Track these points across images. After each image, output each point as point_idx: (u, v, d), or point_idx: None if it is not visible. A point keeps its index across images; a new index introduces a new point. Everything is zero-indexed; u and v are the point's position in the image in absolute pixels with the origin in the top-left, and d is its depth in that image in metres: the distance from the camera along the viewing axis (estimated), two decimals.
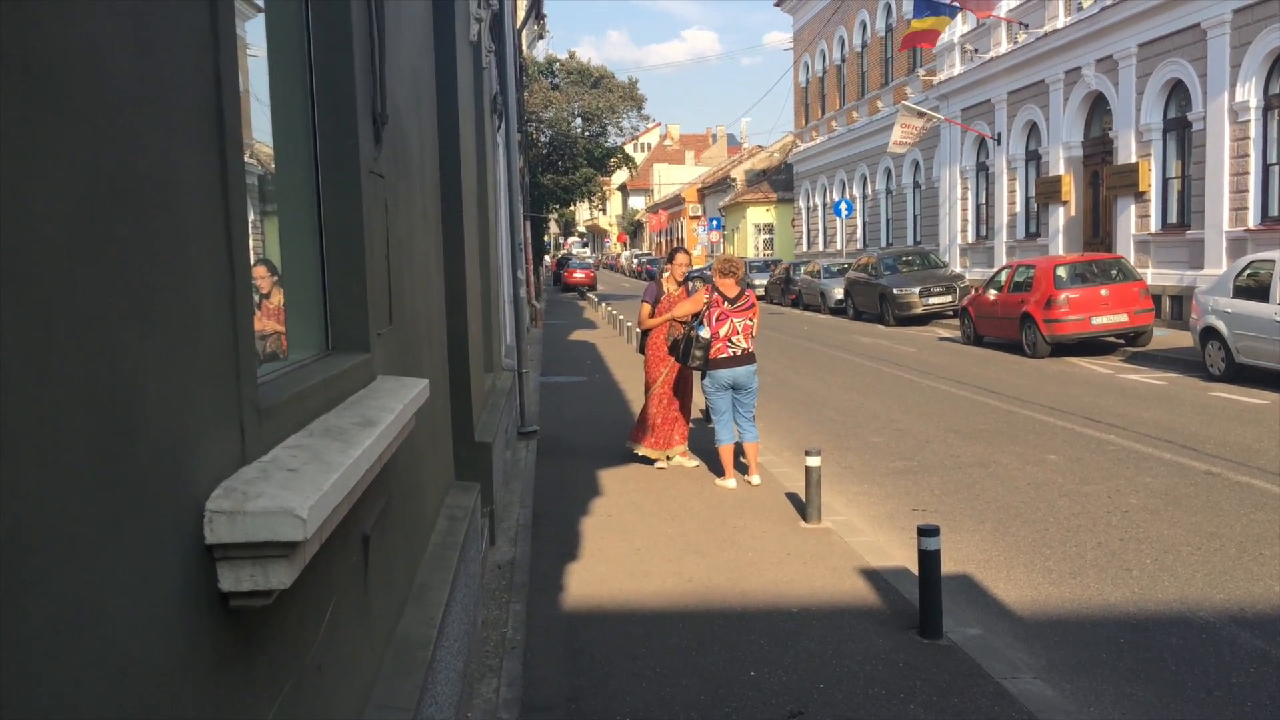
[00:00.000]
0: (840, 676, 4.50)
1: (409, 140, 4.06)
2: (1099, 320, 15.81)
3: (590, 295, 41.30)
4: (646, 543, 6.66)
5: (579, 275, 47.43)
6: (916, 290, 23.44)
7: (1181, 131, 19.39)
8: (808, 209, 43.37)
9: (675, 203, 71.62)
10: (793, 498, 7.64)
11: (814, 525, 6.92)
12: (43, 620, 1.09)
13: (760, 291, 33.57)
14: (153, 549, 1.37)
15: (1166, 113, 19.81)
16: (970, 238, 28.34)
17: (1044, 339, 16.01)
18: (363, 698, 2.59)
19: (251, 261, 1.99)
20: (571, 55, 41.10)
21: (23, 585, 1.06)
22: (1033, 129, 24.88)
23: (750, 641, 4.92)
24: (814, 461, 6.92)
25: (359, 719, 2.52)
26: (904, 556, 6.19)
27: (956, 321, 20.81)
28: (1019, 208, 25.54)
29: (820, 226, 41.75)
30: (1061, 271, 16.40)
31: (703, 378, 8.26)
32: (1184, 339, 15.40)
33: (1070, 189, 23.03)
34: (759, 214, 50.18)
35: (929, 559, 4.87)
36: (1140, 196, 20.27)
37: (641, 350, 9.20)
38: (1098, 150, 22.33)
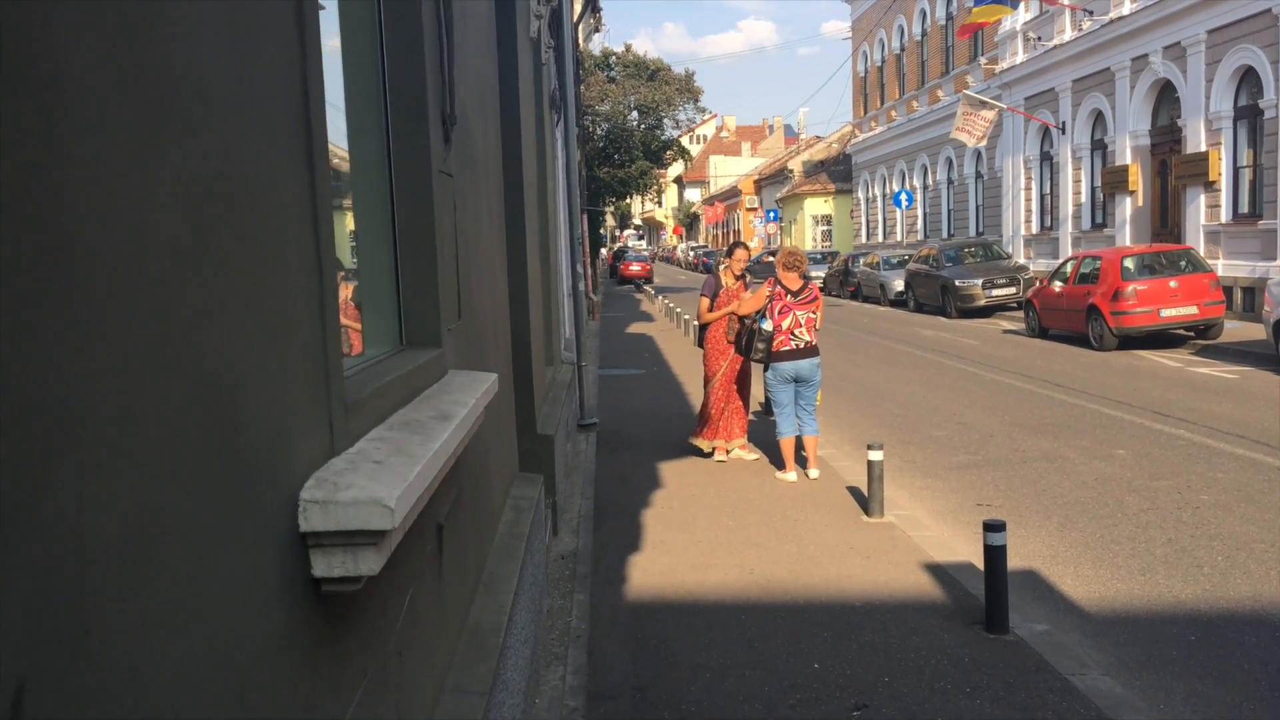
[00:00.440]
0: (905, 670, 4.50)
1: (474, 139, 4.14)
2: (1168, 312, 15.49)
3: (646, 288, 41.37)
4: (707, 535, 6.69)
5: (635, 268, 47.53)
6: (979, 282, 23.13)
7: (1253, 119, 18.89)
8: (867, 200, 43.00)
9: (731, 194, 71.38)
10: (854, 492, 7.63)
11: (876, 519, 6.90)
12: (163, 604, 1.16)
13: (819, 284, 33.36)
14: (254, 537, 1.45)
15: (1237, 100, 19.32)
16: (1034, 228, 27.90)
17: (1111, 331, 15.73)
18: (439, 681, 2.67)
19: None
20: (628, 48, 41.17)
21: (146, 572, 1.13)
22: (1098, 118, 24.41)
23: (813, 635, 4.94)
24: (876, 455, 6.90)
25: (436, 702, 2.60)
26: (968, 551, 6.15)
27: (1020, 314, 20.51)
28: (1084, 198, 25.08)
29: (880, 217, 41.38)
30: (1129, 263, 16.10)
31: (765, 370, 8.28)
32: (1256, 331, 15.03)
33: (1137, 179, 22.56)
34: (817, 205, 49.84)
35: (995, 554, 4.85)
36: (1210, 186, 19.81)
37: (700, 344, 9.23)
38: (1166, 139, 21.85)
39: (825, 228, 49.65)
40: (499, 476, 4.48)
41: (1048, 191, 27.23)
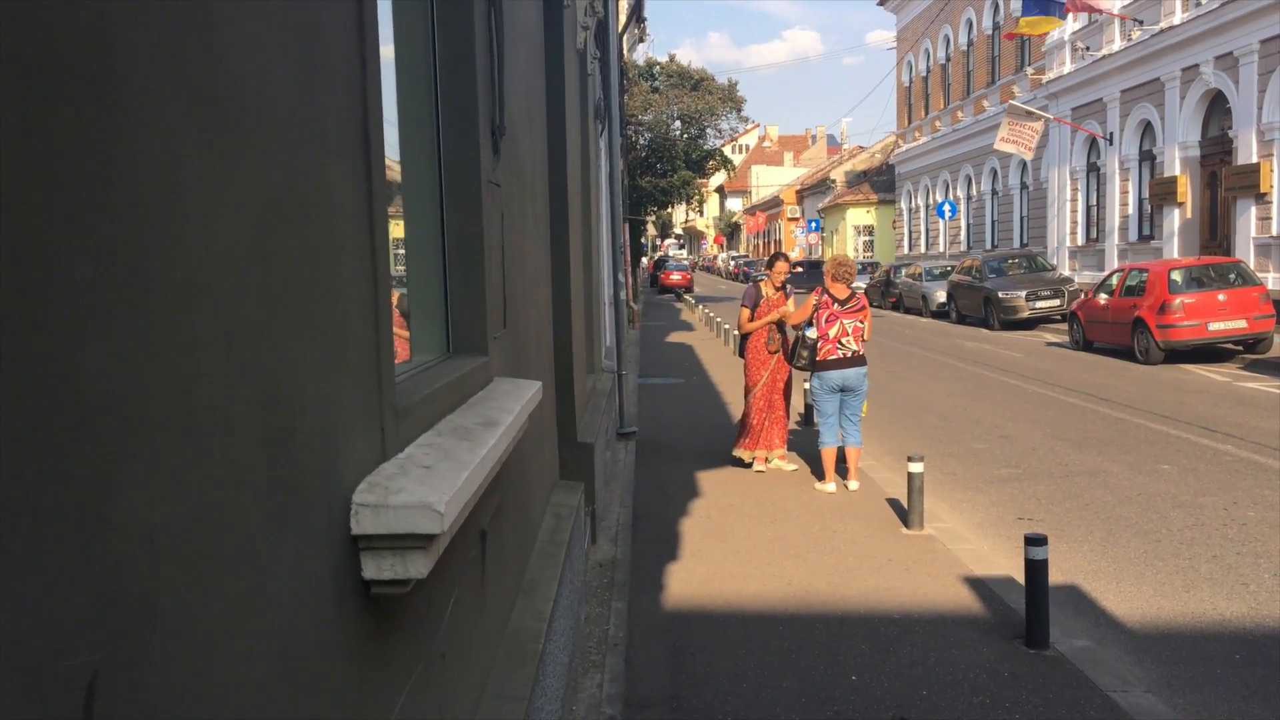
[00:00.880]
0: (943, 684, 4.48)
1: (521, 150, 4.19)
2: (1216, 326, 15.25)
3: (687, 297, 41.37)
4: (746, 545, 6.70)
5: (675, 277, 47.54)
6: (1023, 294, 22.90)
7: None
8: (909, 210, 42.74)
9: (773, 204, 71.23)
10: (894, 504, 7.59)
11: (916, 532, 6.87)
12: (224, 601, 1.21)
13: None
14: (308, 538, 1.49)
15: None
16: (1080, 240, 27.59)
17: (1157, 345, 15.51)
18: (480, 686, 2.71)
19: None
20: (671, 58, 41.24)
21: (209, 570, 1.17)
22: (1147, 128, 24.11)
23: (851, 646, 4.93)
24: (917, 467, 6.87)
25: (477, 706, 2.64)
26: (1009, 565, 6.11)
27: (1064, 326, 20.28)
28: (1132, 209, 24.77)
29: (922, 228, 41.10)
30: (1176, 275, 15.87)
31: (810, 378, 8.27)
32: None
33: (1186, 190, 22.25)
34: (859, 215, 49.60)
35: (1036, 568, 4.81)
36: (1261, 198, 19.49)
37: (741, 354, 9.23)
38: (1216, 150, 21.53)
39: (867, 238, 49.39)
40: (540, 483, 4.52)
41: (1094, 203, 26.92)
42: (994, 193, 33.93)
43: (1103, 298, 17.50)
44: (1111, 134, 25.31)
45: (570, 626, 4.36)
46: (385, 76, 2.80)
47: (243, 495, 1.27)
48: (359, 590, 1.70)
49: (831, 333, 8.02)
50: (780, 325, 8.83)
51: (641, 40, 30.75)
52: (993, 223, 34.07)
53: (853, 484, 8.14)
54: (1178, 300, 15.36)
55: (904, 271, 31.99)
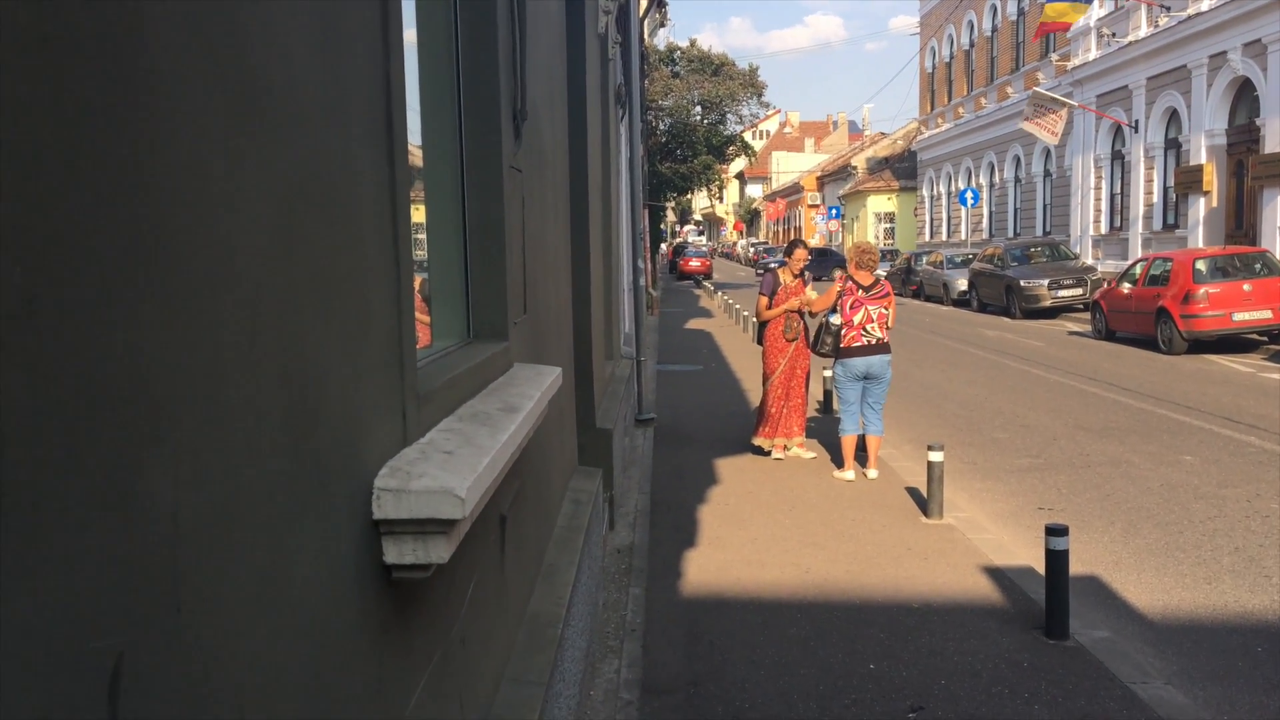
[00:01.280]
0: (962, 674, 4.47)
1: (543, 135, 4.18)
2: (1240, 316, 15.10)
3: (706, 284, 41.29)
4: (764, 533, 6.69)
5: (694, 263, 47.43)
6: (1045, 282, 22.73)
7: None
8: (931, 197, 42.48)
9: (793, 191, 70.94)
10: (913, 492, 7.57)
11: (935, 521, 6.84)
12: (247, 584, 1.21)
13: None
14: (331, 522, 1.50)
15: None
16: (1103, 229, 27.36)
17: (1180, 335, 15.39)
18: (499, 670, 2.72)
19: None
20: (692, 43, 41.04)
21: (232, 554, 1.18)
22: (1173, 116, 23.85)
23: (869, 635, 4.92)
24: (936, 456, 6.84)
25: (496, 690, 2.65)
26: (1029, 555, 6.08)
27: (1086, 315, 20.13)
28: (1156, 198, 24.54)
29: (944, 215, 40.85)
30: (1201, 265, 15.73)
31: (834, 365, 8.26)
32: None
33: (1212, 179, 22.01)
34: (880, 202, 49.33)
35: (1057, 559, 4.79)
36: None
37: (759, 341, 9.20)
38: (1243, 138, 21.28)
39: (888, 225, 49.13)
40: (559, 469, 4.53)
41: (1118, 191, 26.68)
42: (1017, 180, 33.67)
43: (1126, 287, 17.36)
44: (1137, 121, 25.06)
45: (588, 612, 4.37)
46: (408, 61, 2.80)
47: (266, 479, 1.28)
48: (380, 575, 1.71)
49: (856, 319, 7.99)
50: (800, 313, 8.80)
51: (662, 25, 30.60)
52: (1015, 210, 33.82)
53: (872, 472, 8.12)
54: (1202, 290, 15.22)
55: (925, 259, 31.82)
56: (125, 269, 0.98)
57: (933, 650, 4.72)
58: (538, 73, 3.91)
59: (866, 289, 8.06)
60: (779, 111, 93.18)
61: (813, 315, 8.60)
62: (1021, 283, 22.97)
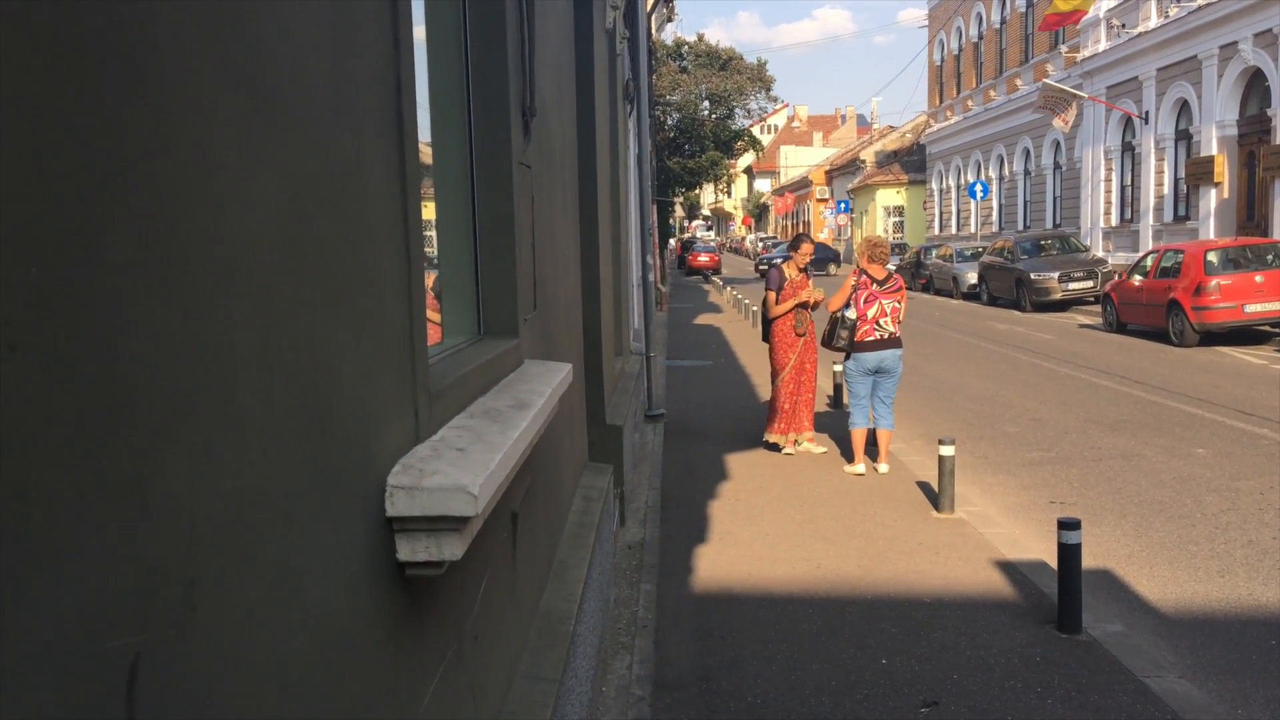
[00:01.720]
0: (975, 668, 4.46)
1: (551, 131, 4.18)
2: (1252, 308, 15.03)
3: (714, 279, 41.26)
4: (774, 528, 6.69)
5: (703, 259, 47.41)
6: (1055, 275, 22.64)
7: None
8: (940, 191, 42.35)
9: (802, 185, 70.79)
10: (924, 487, 7.56)
11: (946, 515, 6.83)
12: (262, 582, 1.21)
13: None
14: (344, 520, 1.50)
15: None
16: (1114, 221, 27.25)
17: (1192, 327, 15.31)
18: (512, 667, 2.72)
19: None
20: (700, 38, 41.03)
21: (247, 552, 1.18)
22: (1183, 107, 23.74)
23: (881, 630, 4.91)
24: (948, 450, 6.82)
25: (509, 687, 2.65)
26: (1041, 549, 6.06)
27: (1097, 308, 20.06)
28: (1167, 189, 24.42)
29: (953, 209, 40.74)
30: (1212, 256, 15.65)
31: (846, 360, 8.24)
32: None
33: (1223, 170, 21.90)
34: (889, 196, 49.18)
35: (1069, 552, 4.77)
36: None
37: (766, 338, 9.17)
38: (1254, 129, 21.17)
39: (897, 219, 48.97)
40: (569, 466, 4.53)
41: (1129, 183, 26.57)
42: (1027, 173, 33.55)
43: (1137, 279, 17.29)
44: (1147, 113, 24.94)
45: (600, 608, 4.37)
46: (417, 58, 2.80)
47: (280, 477, 1.28)
48: (393, 572, 1.71)
49: (870, 313, 7.97)
50: (806, 307, 8.77)
51: (670, 20, 30.55)
52: (1025, 203, 33.71)
53: (883, 467, 8.11)
54: (1214, 281, 15.15)
55: (935, 253, 31.71)
56: (138, 268, 0.98)
57: (945, 645, 4.72)
58: (546, 69, 3.90)
59: (881, 283, 8.03)
60: (787, 106, 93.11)
61: (816, 309, 8.60)
62: (1032, 276, 22.88)
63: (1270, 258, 15.71)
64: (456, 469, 1.72)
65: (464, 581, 2.15)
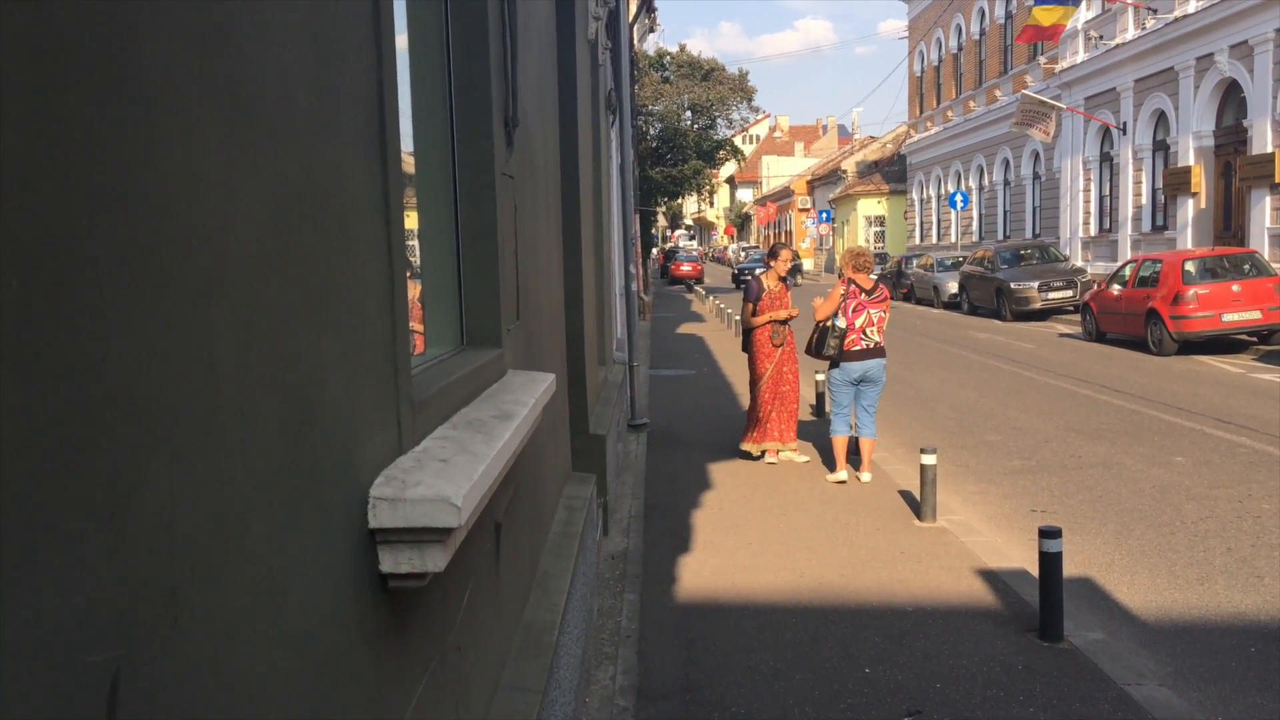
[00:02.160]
0: (957, 677, 4.47)
1: (534, 141, 4.18)
2: (1230, 317, 15.17)
3: (697, 288, 41.33)
4: (758, 537, 6.69)
5: (686, 268, 47.55)
6: (1035, 285, 22.81)
7: None
8: (921, 201, 42.58)
9: (784, 195, 71.02)
10: (906, 496, 7.58)
11: (929, 524, 6.85)
12: (244, 595, 1.21)
13: None
14: (327, 532, 1.49)
15: None
16: (1093, 231, 27.46)
17: (1170, 336, 15.44)
18: (495, 678, 2.71)
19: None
20: (682, 48, 41.20)
21: (229, 564, 1.17)
22: (1160, 118, 23.96)
23: (865, 639, 4.92)
24: (929, 459, 6.85)
25: (493, 698, 2.64)
26: (1022, 558, 6.09)
27: (1077, 317, 20.20)
28: (1145, 200, 24.63)
29: (934, 219, 40.96)
30: (1190, 266, 15.79)
31: (830, 369, 8.26)
32: None
33: (1200, 180, 22.11)
34: (870, 206, 49.40)
35: (1050, 561, 4.79)
36: (1276, 188, 19.35)
37: (745, 348, 9.18)
38: (1230, 140, 21.38)
39: (878, 229, 49.20)
40: (553, 476, 4.52)
41: (1107, 193, 26.78)
42: (1006, 183, 33.78)
43: (1116, 288, 17.42)
44: (1125, 124, 25.16)
45: (583, 618, 4.36)
46: (400, 67, 2.80)
47: (261, 488, 1.27)
48: (376, 583, 1.70)
49: (858, 322, 8.00)
50: (783, 322, 8.79)
51: (652, 30, 30.62)
52: (1005, 213, 33.92)
53: (865, 476, 8.13)
54: (1191, 291, 15.28)
55: (916, 262, 31.89)
56: (119, 277, 0.98)
57: (928, 653, 4.73)
58: (529, 79, 3.91)
59: (868, 293, 8.07)
60: (769, 116, 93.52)
61: (792, 321, 8.72)
62: (1012, 285, 23.04)
63: (1247, 267, 15.87)
64: (440, 480, 1.71)
65: (447, 592, 2.14)
